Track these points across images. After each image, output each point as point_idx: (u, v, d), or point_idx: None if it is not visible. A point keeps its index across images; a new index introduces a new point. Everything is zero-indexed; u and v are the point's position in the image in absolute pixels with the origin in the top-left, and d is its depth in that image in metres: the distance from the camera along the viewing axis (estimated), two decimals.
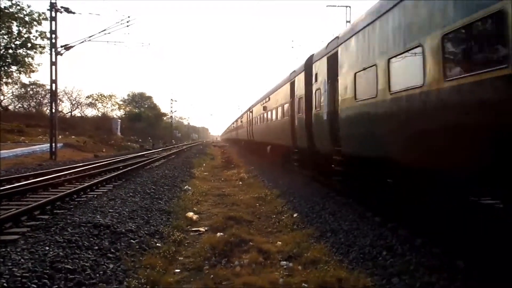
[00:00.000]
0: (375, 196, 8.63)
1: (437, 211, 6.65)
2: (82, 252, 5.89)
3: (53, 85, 26.18)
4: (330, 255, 6.21)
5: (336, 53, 9.99)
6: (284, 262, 6.14)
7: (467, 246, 5.59)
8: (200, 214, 9.80)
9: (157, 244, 6.97)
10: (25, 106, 55.27)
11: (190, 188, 13.90)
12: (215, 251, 6.56)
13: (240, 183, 15.97)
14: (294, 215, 9.20)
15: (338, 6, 28.72)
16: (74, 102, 63.03)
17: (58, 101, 38.39)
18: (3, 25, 32.07)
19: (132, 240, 6.85)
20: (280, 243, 7.12)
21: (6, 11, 31.55)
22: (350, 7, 28.46)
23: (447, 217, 6.53)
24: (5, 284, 4.65)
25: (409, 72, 6.32)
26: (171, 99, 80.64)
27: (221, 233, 7.62)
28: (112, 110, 71.32)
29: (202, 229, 8.34)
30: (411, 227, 6.78)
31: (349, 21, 27.08)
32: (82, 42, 26.63)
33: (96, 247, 6.21)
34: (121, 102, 75.69)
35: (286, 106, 16.49)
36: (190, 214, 9.42)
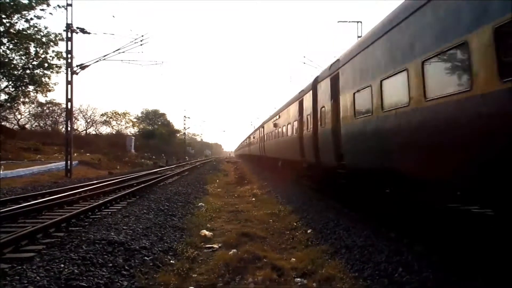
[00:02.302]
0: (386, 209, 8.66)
1: (451, 224, 6.54)
2: (96, 270, 5.91)
3: (69, 103, 26.67)
4: (345, 272, 6.12)
5: (338, 74, 10.78)
6: (299, 279, 6.07)
7: (484, 260, 5.47)
8: (213, 230, 9.78)
9: (171, 261, 6.96)
10: (41, 124, 56.31)
11: (203, 204, 13.90)
12: (228, 268, 6.51)
13: (254, 199, 15.93)
14: (308, 231, 9.12)
15: (349, 21, 28.93)
16: (89, 120, 64.06)
17: (74, 119, 39.01)
18: (21, 46, 32.87)
19: (146, 257, 6.86)
20: (294, 259, 7.05)
21: (24, 33, 32.37)
22: (361, 22, 28.65)
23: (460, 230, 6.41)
24: None
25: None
26: (184, 116, 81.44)
27: (235, 250, 7.59)
28: (126, 127, 72.33)
29: (215, 245, 8.31)
30: (427, 241, 6.67)
31: (360, 36, 27.20)
32: (97, 61, 27.20)
33: (111, 264, 6.23)
34: (135, 120, 76.72)
35: (295, 123, 17.27)
36: (204, 231, 9.40)
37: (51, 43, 33.48)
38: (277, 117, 23.33)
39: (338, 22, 29.33)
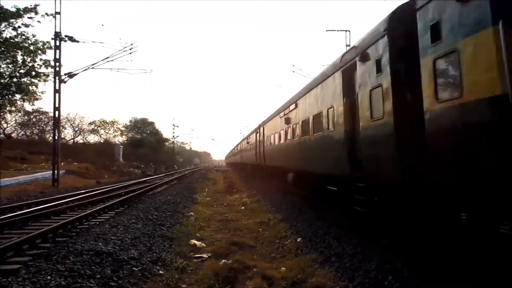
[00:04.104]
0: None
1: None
2: (84, 281, 5.83)
3: (56, 112, 26.43)
4: (335, 281, 6.13)
5: (263, 127, 24.98)
6: None
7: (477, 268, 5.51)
8: (203, 240, 9.73)
9: (160, 272, 6.90)
10: (28, 133, 55.55)
11: (192, 213, 13.82)
12: (218, 278, 6.47)
13: (243, 208, 15.89)
14: (298, 240, 9.11)
15: (338, 30, 29.27)
16: (76, 129, 63.40)
17: (61, 128, 38.55)
18: (8, 54, 32.49)
19: (134, 268, 6.78)
20: (284, 268, 7.04)
21: (11, 41, 32.02)
22: (349, 31, 28.95)
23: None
24: None
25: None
26: (173, 125, 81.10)
27: (225, 259, 7.55)
28: (114, 136, 71.53)
29: (205, 255, 8.26)
30: (415, 249, 6.70)
31: (348, 45, 27.50)
32: (86, 69, 27.10)
33: (98, 276, 6.15)
34: (123, 128, 75.93)
35: (254, 143, 30.20)
36: (193, 241, 9.34)
37: (39, 51, 33.07)
38: (249, 138, 36.70)
39: (326, 31, 29.68)
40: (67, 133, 61.35)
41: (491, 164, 4.62)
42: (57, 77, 26.09)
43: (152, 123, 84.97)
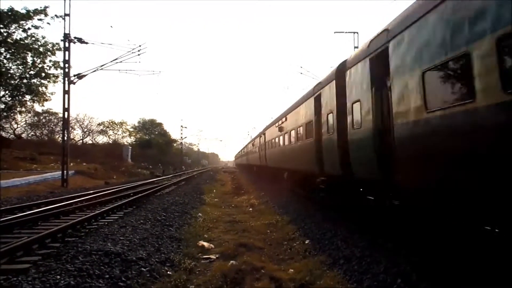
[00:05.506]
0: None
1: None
2: (93, 281, 5.86)
3: (66, 113, 26.63)
4: (343, 283, 6.10)
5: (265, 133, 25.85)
6: None
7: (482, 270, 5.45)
8: (211, 241, 9.73)
9: (168, 272, 6.91)
10: (37, 134, 56.03)
11: (200, 214, 13.84)
12: (226, 279, 6.47)
13: (251, 209, 15.89)
14: (306, 242, 9.09)
15: (346, 32, 29.09)
16: (85, 130, 63.81)
17: (70, 128, 38.77)
18: (19, 56, 32.81)
19: (143, 268, 6.80)
20: (292, 270, 7.02)
21: (21, 42, 32.34)
22: (357, 33, 28.73)
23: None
24: None
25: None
26: (181, 126, 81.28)
27: (233, 261, 7.54)
28: (123, 137, 71.88)
29: (213, 256, 8.26)
30: (422, 251, 6.66)
31: (357, 47, 27.34)
32: (94, 71, 27.28)
33: (107, 276, 6.18)
34: (131, 129, 76.23)
35: (258, 146, 33.51)
36: (201, 242, 9.35)
37: (49, 53, 33.39)
38: (248, 146, 47.60)
39: (334, 32, 29.31)
40: (76, 134, 61.86)
41: None
42: (66, 78, 26.30)
43: (160, 124, 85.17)
